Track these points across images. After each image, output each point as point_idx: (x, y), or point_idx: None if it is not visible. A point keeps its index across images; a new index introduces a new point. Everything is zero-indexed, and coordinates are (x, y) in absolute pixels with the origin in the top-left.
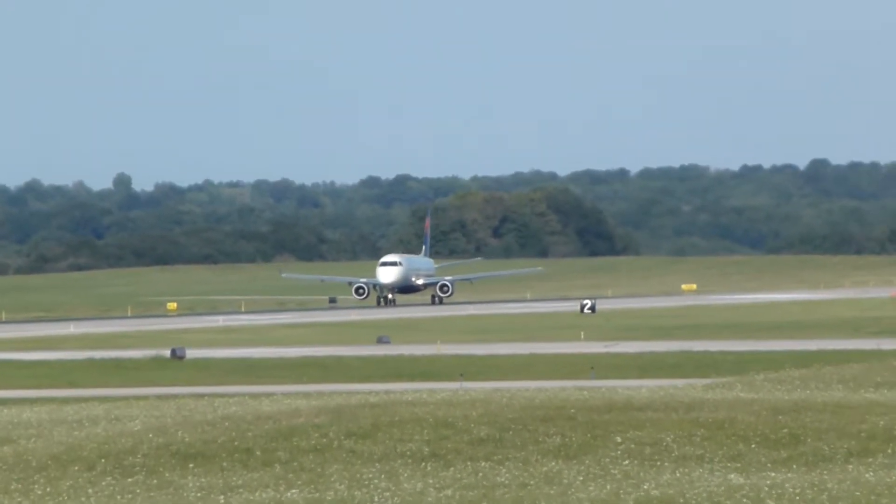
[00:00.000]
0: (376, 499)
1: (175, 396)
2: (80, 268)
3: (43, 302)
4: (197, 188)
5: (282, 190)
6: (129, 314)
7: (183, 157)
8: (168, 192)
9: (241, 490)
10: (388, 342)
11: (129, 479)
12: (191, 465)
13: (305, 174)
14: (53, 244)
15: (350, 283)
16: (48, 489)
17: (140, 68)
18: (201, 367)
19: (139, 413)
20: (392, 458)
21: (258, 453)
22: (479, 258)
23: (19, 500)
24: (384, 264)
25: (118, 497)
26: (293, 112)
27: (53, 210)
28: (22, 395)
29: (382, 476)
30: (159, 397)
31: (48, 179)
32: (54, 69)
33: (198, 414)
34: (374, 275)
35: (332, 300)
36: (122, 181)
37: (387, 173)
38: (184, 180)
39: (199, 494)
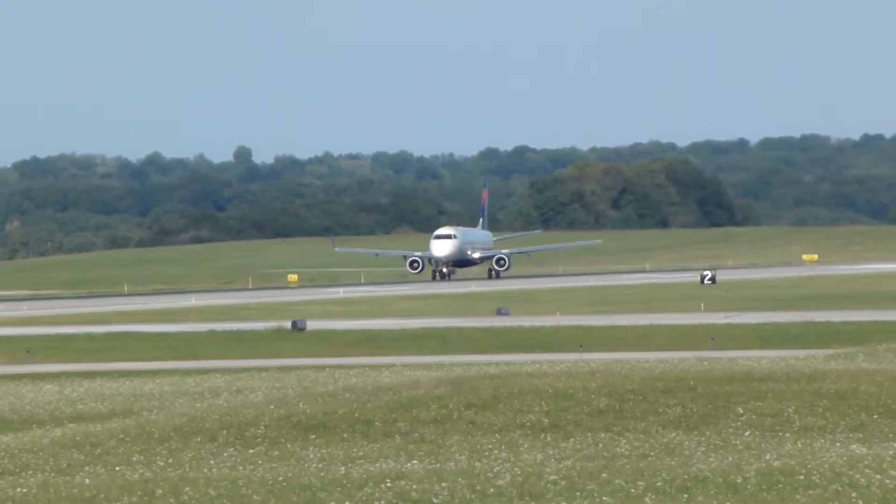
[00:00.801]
0: (496, 469)
1: (296, 368)
2: (200, 240)
3: (164, 274)
4: (317, 160)
5: (401, 162)
6: (250, 286)
7: (303, 129)
8: (288, 165)
9: (361, 461)
10: (507, 314)
11: (251, 451)
12: (312, 437)
13: (424, 146)
14: (175, 217)
15: (405, 257)
16: (170, 461)
17: (258, 42)
18: (322, 338)
19: (260, 384)
20: (512, 429)
21: (378, 424)
22: (538, 230)
23: (141, 471)
24: (438, 237)
25: (240, 468)
26: (412, 84)
27: (175, 183)
28: (144, 367)
29: (502, 447)
30: (280, 369)
31: (169, 153)
32: (174, 44)
33: (319, 385)
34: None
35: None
36: (243, 154)
37: (505, 145)
38: (303, 153)
39: (319, 465)
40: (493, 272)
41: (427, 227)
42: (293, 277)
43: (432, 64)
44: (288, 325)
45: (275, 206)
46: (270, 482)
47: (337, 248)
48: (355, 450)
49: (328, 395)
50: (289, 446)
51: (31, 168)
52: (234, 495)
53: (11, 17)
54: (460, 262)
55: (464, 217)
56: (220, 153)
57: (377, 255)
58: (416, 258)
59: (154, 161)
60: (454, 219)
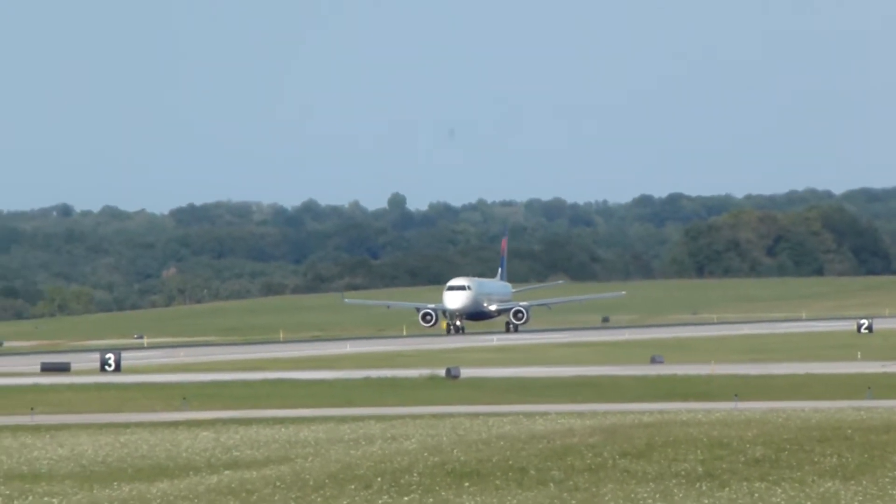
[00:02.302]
0: None
1: (450, 415)
2: (355, 287)
3: (319, 321)
4: (470, 207)
5: (554, 209)
6: (404, 333)
7: (457, 176)
8: (442, 212)
9: None
10: (661, 362)
11: (405, 498)
12: (466, 484)
13: (578, 193)
14: (329, 264)
15: (417, 309)
16: None
17: (416, 93)
18: (475, 386)
19: (415, 432)
20: (666, 477)
21: (532, 472)
22: (560, 281)
23: None
24: (451, 288)
25: None
26: (565, 131)
27: (329, 230)
28: (299, 414)
29: (657, 496)
30: (434, 416)
31: (324, 200)
32: (331, 88)
33: (472, 433)
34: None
35: None
36: (397, 201)
37: (659, 192)
38: (457, 200)
39: None
40: (510, 325)
41: (580, 274)
42: (446, 325)
43: (585, 111)
44: (442, 372)
45: (429, 253)
46: None
47: (347, 300)
48: (509, 498)
49: (482, 442)
50: (443, 494)
51: (188, 215)
52: None
53: (170, 67)
54: (476, 314)
55: (616, 265)
56: (375, 200)
57: (388, 307)
58: (430, 311)
59: (309, 208)
60: (606, 266)
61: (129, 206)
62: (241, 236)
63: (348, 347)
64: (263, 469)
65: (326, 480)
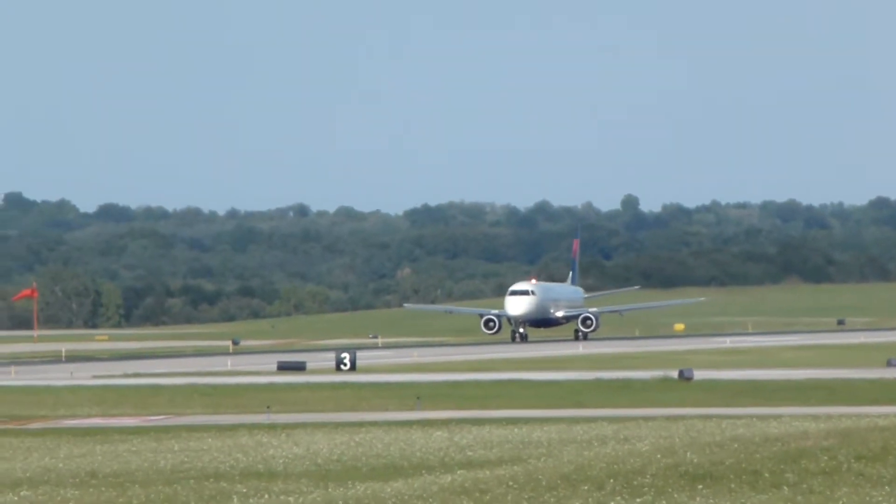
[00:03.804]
0: None
1: (683, 417)
2: (588, 289)
3: None
4: (704, 209)
5: (789, 211)
6: (637, 335)
7: (690, 177)
8: (675, 213)
9: None
10: None
11: (638, 500)
12: (699, 487)
13: (813, 195)
14: (562, 265)
15: (481, 315)
16: None
17: (647, 93)
18: (708, 388)
19: (647, 433)
20: None
21: (766, 475)
22: (636, 287)
23: None
24: (514, 293)
25: None
26: (800, 131)
27: (563, 231)
28: (532, 415)
29: (892, 500)
30: (667, 418)
31: (557, 201)
32: (561, 88)
33: (706, 435)
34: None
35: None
36: (630, 202)
37: None
38: (691, 201)
39: None
40: (579, 333)
41: (815, 277)
42: (679, 326)
43: (820, 110)
44: (674, 374)
45: (662, 255)
46: None
47: (406, 305)
48: (743, 500)
49: (715, 444)
50: (676, 496)
51: (423, 216)
52: None
53: (397, 63)
54: (542, 321)
55: (852, 267)
56: (608, 201)
57: (450, 312)
58: (493, 317)
59: (542, 209)
60: (842, 269)
61: (364, 206)
62: (474, 237)
63: (580, 349)
64: (497, 469)
65: (559, 481)
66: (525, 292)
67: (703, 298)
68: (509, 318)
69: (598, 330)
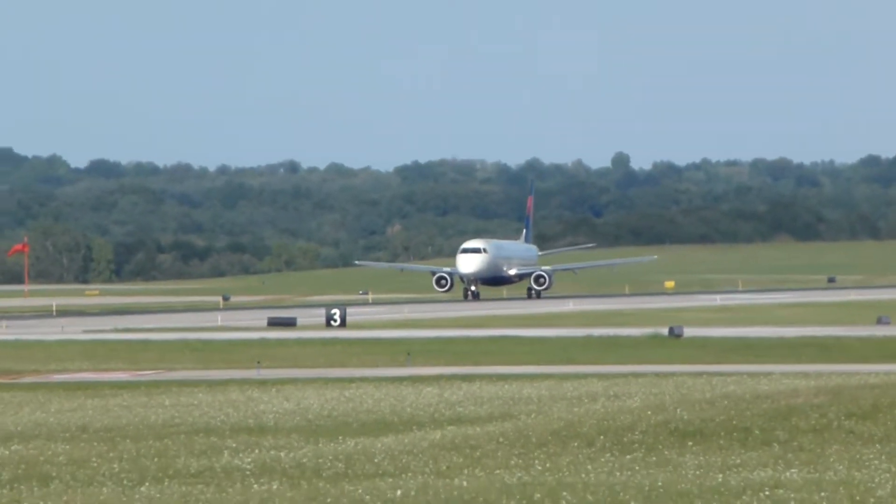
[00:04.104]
0: (877, 479)
1: (673, 374)
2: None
3: None
4: (694, 167)
5: (779, 169)
6: (627, 292)
7: (680, 135)
8: (666, 171)
9: (739, 469)
10: (888, 322)
11: (628, 456)
12: (689, 444)
13: (804, 153)
14: (552, 222)
15: (433, 273)
16: (548, 465)
17: (634, 51)
18: (699, 345)
19: (637, 390)
20: (893, 439)
21: (757, 433)
22: (592, 244)
23: (519, 475)
24: (465, 251)
25: (617, 474)
26: (788, 89)
27: (553, 188)
28: (522, 371)
29: (883, 457)
30: (657, 375)
31: (548, 158)
32: (556, 44)
33: (696, 392)
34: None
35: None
36: (621, 160)
37: (887, 152)
38: (681, 159)
39: (697, 472)
40: (532, 291)
41: (805, 235)
42: (670, 284)
43: (811, 67)
44: (665, 331)
45: (652, 213)
46: (648, 488)
47: (356, 262)
48: (733, 458)
49: (706, 402)
50: (666, 453)
51: (413, 173)
52: (612, 501)
53: (390, 26)
54: (494, 279)
55: (842, 225)
56: (599, 159)
57: (402, 269)
58: (445, 275)
59: (533, 166)
60: (832, 227)
61: (354, 163)
62: (465, 194)
63: (570, 305)
64: (487, 425)
65: (549, 437)
66: (477, 250)
67: (655, 257)
68: (461, 276)
69: (551, 288)
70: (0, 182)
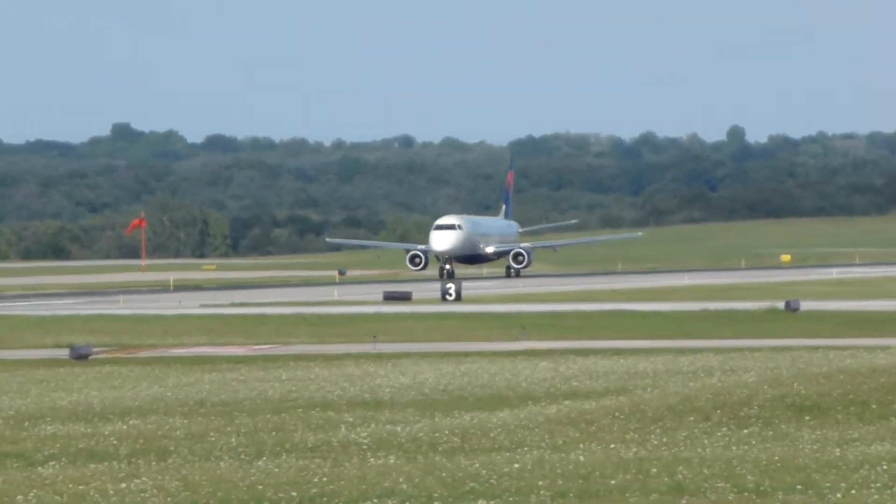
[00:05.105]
0: None
1: (789, 348)
2: (692, 220)
3: (657, 254)
4: (810, 140)
5: None
6: (742, 266)
7: (796, 108)
8: (781, 144)
9: (856, 443)
10: None
11: (745, 431)
12: (806, 418)
13: None
14: (667, 196)
15: (407, 251)
16: (664, 439)
17: (712, 10)
18: (815, 319)
19: (753, 364)
20: None
21: (874, 406)
22: (575, 220)
23: (636, 449)
24: (438, 227)
25: (733, 448)
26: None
27: (667, 162)
28: (637, 346)
29: None
30: (774, 349)
31: (663, 132)
32: (669, 22)
33: (812, 366)
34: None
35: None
36: (736, 133)
37: None
38: (797, 132)
39: (814, 447)
40: (511, 270)
41: None
42: (786, 257)
43: None
44: (781, 305)
45: (767, 186)
46: (765, 462)
47: (328, 238)
48: (850, 432)
49: (822, 376)
50: (782, 427)
51: (527, 147)
52: (729, 475)
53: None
54: (470, 256)
55: None
56: (714, 132)
57: (377, 248)
58: (419, 252)
59: (647, 140)
60: None
61: (468, 137)
62: (578, 168)
63: (686, 280)
64: (602, 400)
65: (665, 412)
66: (451, 226)
67: (640, 234)
68: (436, 254)
69: (531, 266)
70: (117, 158)
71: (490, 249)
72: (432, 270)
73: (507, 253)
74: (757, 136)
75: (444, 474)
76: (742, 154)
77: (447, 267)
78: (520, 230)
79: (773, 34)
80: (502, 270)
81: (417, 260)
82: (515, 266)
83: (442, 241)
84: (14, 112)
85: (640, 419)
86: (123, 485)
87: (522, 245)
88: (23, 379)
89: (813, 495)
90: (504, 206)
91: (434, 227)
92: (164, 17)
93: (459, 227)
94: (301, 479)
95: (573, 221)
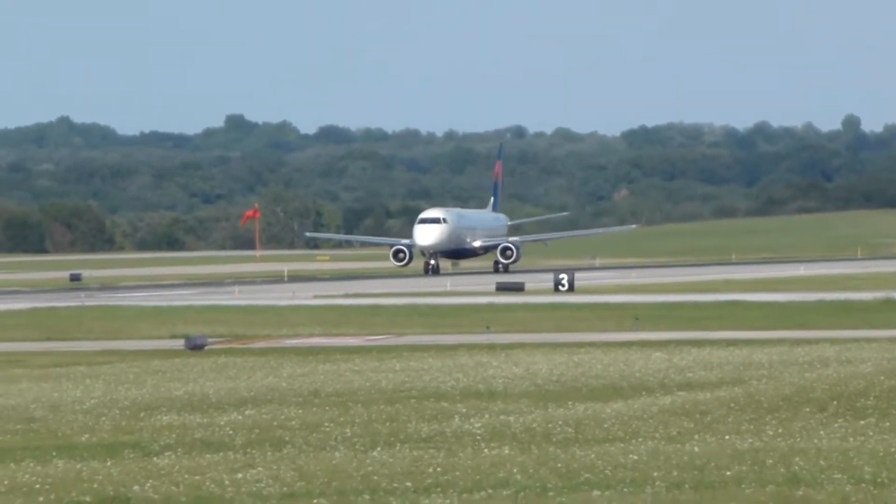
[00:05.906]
0: None
1: None
2: (808, 210)
3: (772, 244)
4: None
5: None
6: (858, 256)
7: None
8: None
9: None
10: None
11: (861, 422)
12: None
13: None
14: (782, 187)
15: (391, 246)
16: (780, 430)
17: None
18: None
19: (870, 355)
20: None
21: None
22: (566, 213)
23: (751, 440)
24: (422, 221)
25: (850, 439)
26: None
27: (782, 152)
28: (753, 336)
29: None
30: (890, 340)
31: (777, 121)
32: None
33: None
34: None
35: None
36: (851, 122)
37: None
38: None
39: None
40: (499, 265)
41: None
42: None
43: None
44: None
45: (884, 176)
46: (882, 454)
47: (306, 233)
48: None
49: None
50: None
51: (640, 137)
52: (845, 466)
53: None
54: (456, 251)
55: None
56: (829, 122)
57: (358, 243)
58: (403, 247)
59: (762, 130)
60: None
61: (581, 127)
62: (692, 158)
63: (802, 270)
64: (717, 391)
65: (781, 403)
66: (436, 220)
67: (634, 226)
68: (421, 249)
69: (519, 261)
70: (231, 149)
71: (477, 244)
72: (428, 267)
73: (494, 247)
74: (873, 125)
75: (558, 465)
76: (858, 143)
77: (432, 262)
78: (508, 223)
79: (890, 23)
80: (489, 265)
81: (401, 255)
82: (503, 261)
83: (426, 235)
84: (129, 104)
85: (756, 410)
86: (239, 475)
87: (511, 239)
88: (139, 369)
89: None
90: (493, 199)
91: (418, 220)
92: (278, 8)
93: (445, 220)
94: (415, 469)
95: (564, 214)
